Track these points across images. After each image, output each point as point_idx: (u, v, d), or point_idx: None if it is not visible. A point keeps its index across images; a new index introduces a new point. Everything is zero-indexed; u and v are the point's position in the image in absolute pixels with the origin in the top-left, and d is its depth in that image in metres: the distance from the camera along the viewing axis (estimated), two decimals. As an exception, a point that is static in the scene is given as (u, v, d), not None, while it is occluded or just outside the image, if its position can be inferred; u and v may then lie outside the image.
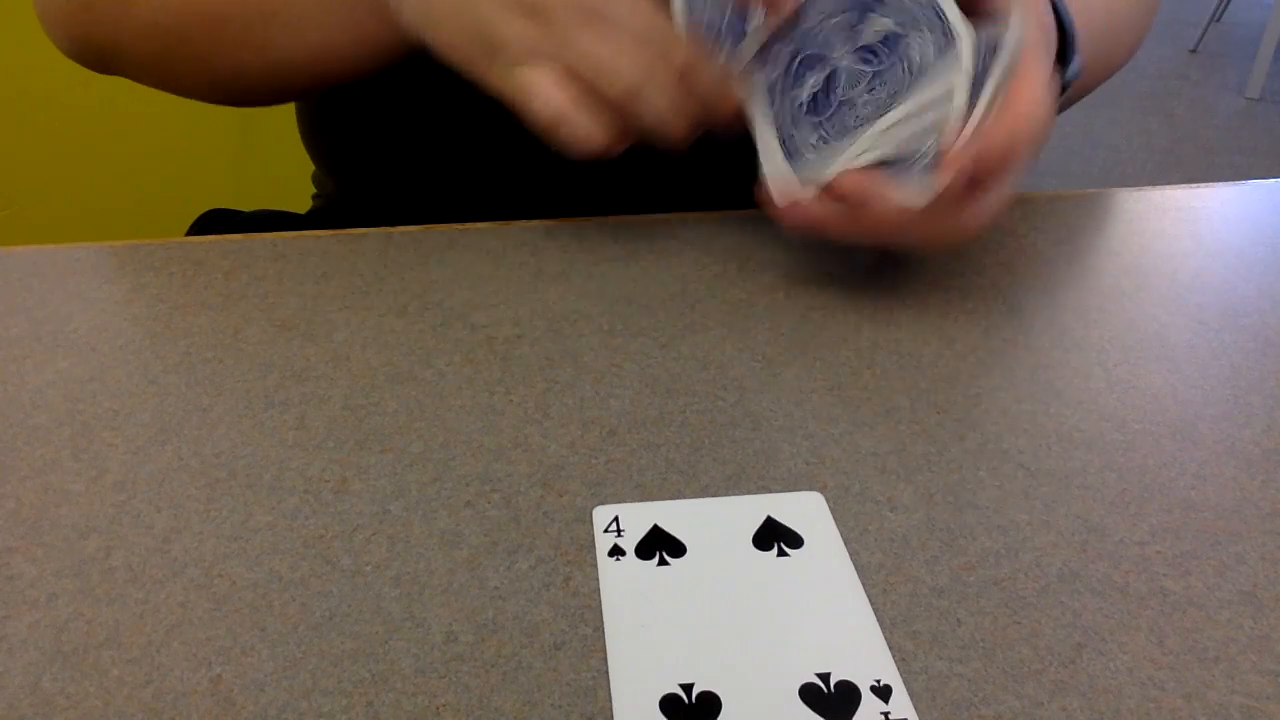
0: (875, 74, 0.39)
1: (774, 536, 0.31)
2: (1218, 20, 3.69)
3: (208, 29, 0.50)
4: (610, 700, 0.26)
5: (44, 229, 1.24)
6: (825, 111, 0.41)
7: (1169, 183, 0.56)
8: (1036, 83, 0.39)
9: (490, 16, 0.41)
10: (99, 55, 0.54)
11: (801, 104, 0.41)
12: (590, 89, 0.40)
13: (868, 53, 0.39)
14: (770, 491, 0.33)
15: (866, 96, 0.40)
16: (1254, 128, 2.87)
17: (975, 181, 0.39)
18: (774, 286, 0.45)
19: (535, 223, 0.51)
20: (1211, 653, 0.28)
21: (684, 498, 0.33)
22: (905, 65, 0.39)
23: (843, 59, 0.40)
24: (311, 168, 0.72)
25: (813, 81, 0.41)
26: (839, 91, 0.40)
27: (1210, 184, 0.56)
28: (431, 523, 0.32)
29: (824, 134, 0.41)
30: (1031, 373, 0.40)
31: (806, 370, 0.40)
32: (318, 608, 0.29)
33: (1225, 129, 2.86)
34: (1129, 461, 0.35)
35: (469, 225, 0.50)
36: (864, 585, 0.30)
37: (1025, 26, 0.38)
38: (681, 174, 0.55)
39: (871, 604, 0.29)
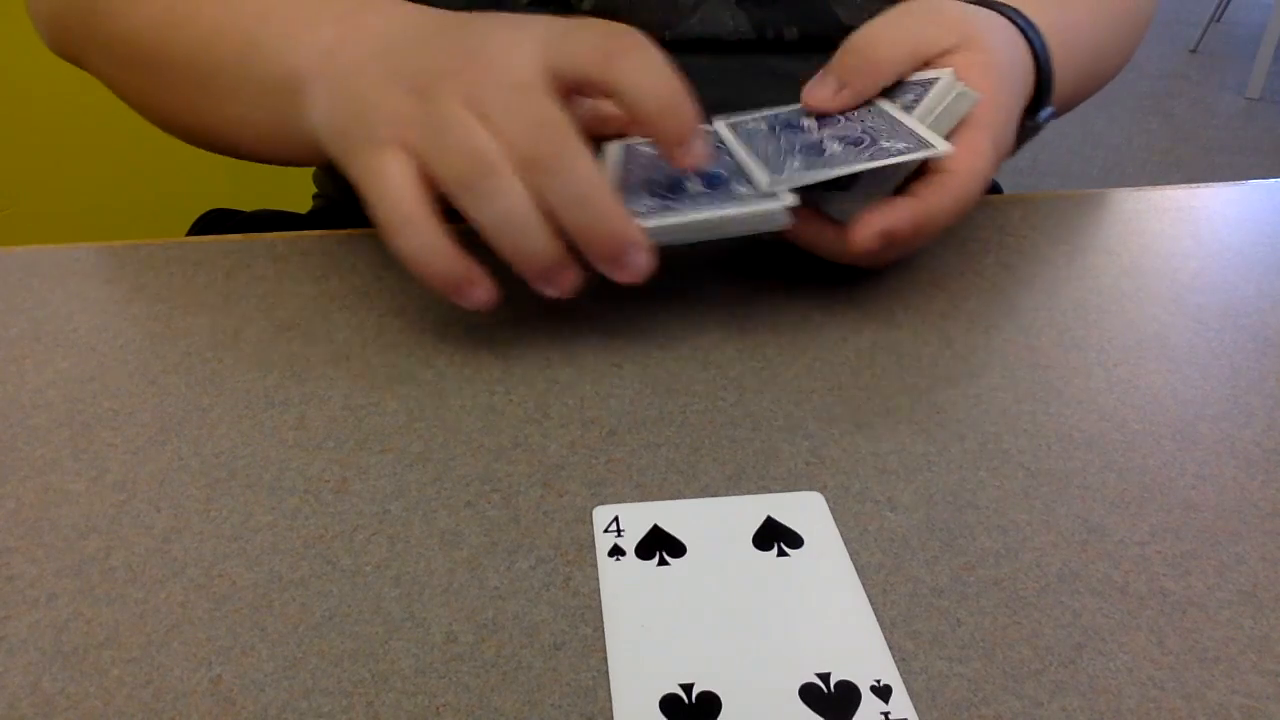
0: (855, 142, 0.41)
1: (774, 536, 0.31)
2: (1218, 20, 3.69)
3: (151, 71, 0.49)
4: (610, 700, 0.26)
5: (44, 229, 1.24)
6: (805, 146, 0.42)
7: (1169, 183, 0.56)
8: (977, 152, 0.41)
9: (371, 88, 0.39)
10: (74, 59, 0.55)
11: (785, 147, 0.42)
12: (443, 182, 0.36)
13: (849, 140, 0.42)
14: (770, 491, 0.33)
15: (838, 148, 0.41)
16: (1254, 128, 2.87)
17: (896, 240, 0.40)
18: (774, 286, 0.45)
19: (535, 223, 0.51)
20: (1211, 653, 0.28)
21: (684, 498, 0.33)
22: (879, 146, 0.40)
23: (820, 133, 0.43)
24: (312, 167, 0.72)
25: (802, 136, 0.43)
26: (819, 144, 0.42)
27: (1210, 184, 0.56)
28: (431, 523, 0.32)
29: (807, 160, 0.41)
30: (1031, 373, 0.40)
31: (806, 370, 0.40)
32: (318, 608, 0.29)
33: (1225, 129, 2.86)
34: (1129, 461, 0.35)
35: (469, 225, 0.50)
36: (864, 585, 0.30)
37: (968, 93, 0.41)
38: None
39: (871, 604, 0.29)
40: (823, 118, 0.44)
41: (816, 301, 0.44)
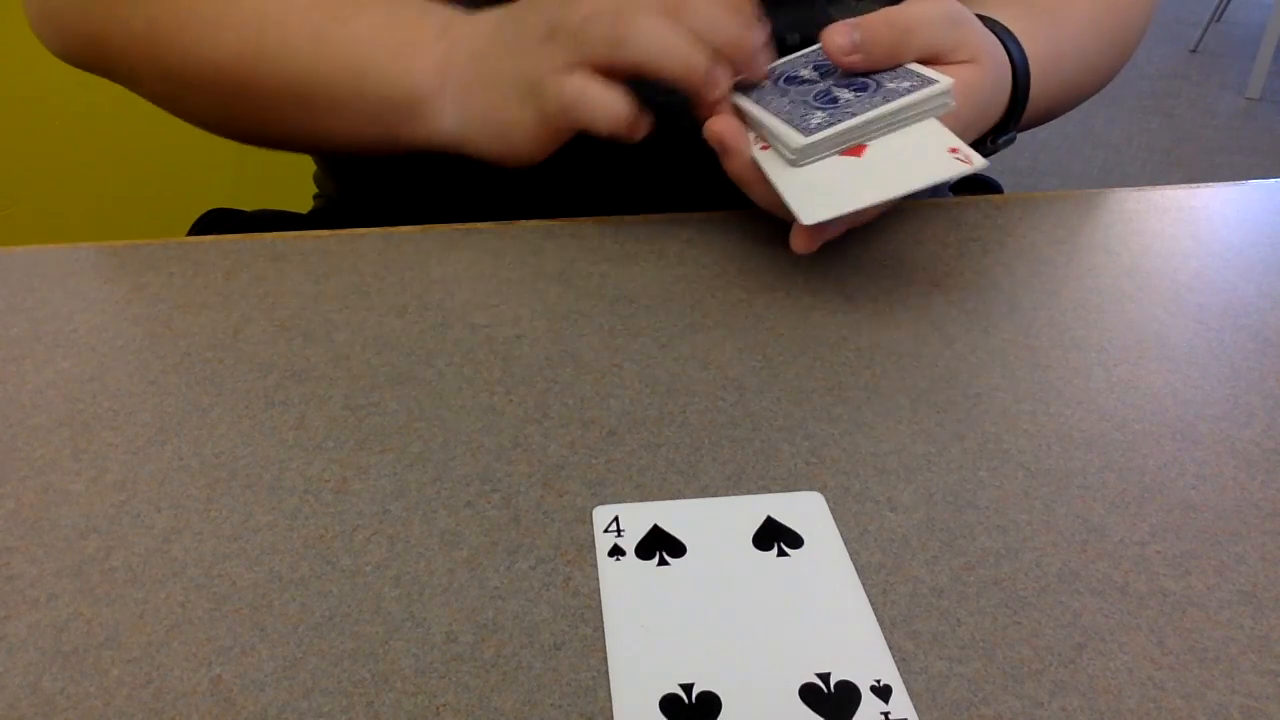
0: (861, 88, 0.44)
1: (774, 536, 0.31)
2: (1218, 20, 3.69)
3: (238, 98, 0.52)
4: (610, 700, 0.26)
5: (44, 229, 1.24)
6: (822, 102, 0.44)
7: (1169, 183, 0.56)
8: None
9: (516, 63, 0.45)
10: (103, 73, 0.55)
11: (800, 100, 0.44)
12: (602, 63, 0.43)
13: (854, 85, 0.45)
14: (770, 491, 0.33)
15: (852, 96, 0.44)
16: (1254, 128, 2.87)
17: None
18: (774, 286, 0.45)
19: (535, 223, 0.51)
20: (1211, 653, 0.28)
21: (684, 498, 0.33)
22: (885, 89, 0.43)
23: (825, 82, 0.45)
24: (313, 167, 0.72)
25: (801, 90, 0.45)
26: (831, 95, 0.44)
27: (1210, 184, 0.56)
28: (431, 523, 0.32)
29: (828, 116, 0.43)
30: (1031, 373, 0.40)
31: (806, 370, 0.40)
32: (318, 608, 0.29)
33: (1225, 129, 2.86)
34: (1129, 461, 0.35)
35: (469, 225, 0.50)
36: (864, 585, 0.30)
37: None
38: (682, 174, 0.55)
39: (871, 604, 0.29)
40: (822, 66, 0.47)
41: (816, 301, 0.44)
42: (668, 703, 0.26)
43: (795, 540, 0.31)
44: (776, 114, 0.44)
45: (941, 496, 0.33)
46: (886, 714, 0.26)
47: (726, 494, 0.33)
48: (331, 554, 0.31)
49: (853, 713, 0.26)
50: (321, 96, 0.50)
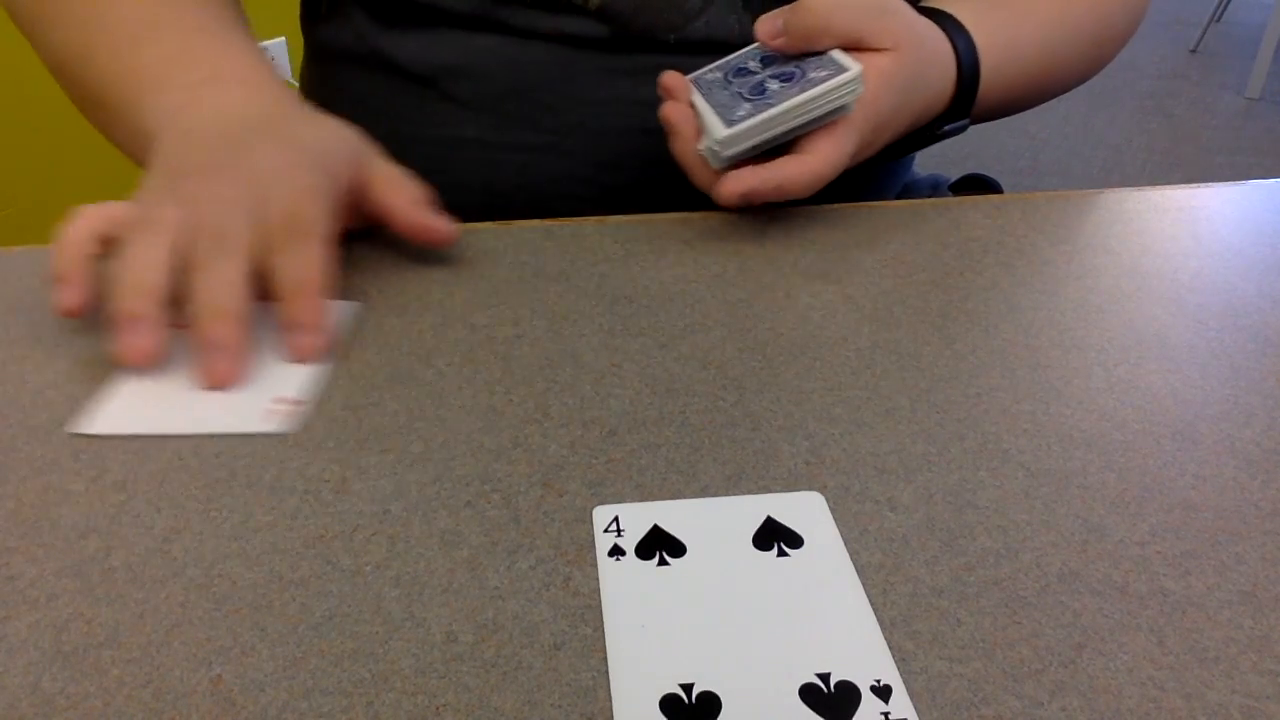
0: (788, 77, 0.48)
1: (774, 536, 0.31)
2: (1218, 20, 3.69)
3: (68, 87, 0.54)
4: (610, 700, 0.26)
5: (44, 229, 1.24)
6: (752, 94, 0.49)
7: (1169, 183, 0.56)
8: (839, 145, 0.48)
9: (149, 189, 0.42)
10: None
11: (735, 92, 0.49)
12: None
13: (783, 75, 0.49)
14: (770, 491, 0.33)
15: (778, 87, 0.48)
16: (1254, 128, 2.87)
17: (754, 199, 0.48)
18: (774, 286, 0.45)
19: (535, 223, 0.51)
20: (1211, 653, 0.28)
21: (684, 498, 0.33)
22: (807, 78, 0.48)
23: (763, 73, 0.50)
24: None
25: (741, 82, 0.50)
26: (763, 86, 0.49)
27: (1210, 184, 0.56)
28: (431, 523, 0.32)
29: (752, 107, 0.47)
30: (1031, 373, 0.40)
31: (806, 370, 0.40)
32: (318, 608, 0.29)
33: (1225, 129, 2.86)
34: (1129, 461, 0.35)
35: (469, 225, 0.50)
36: (864, 585, 0.30)
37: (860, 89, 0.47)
38: (682, 175, 0.55)
39: (871, 604, 0.29)
40: (766, 59, 0.51)
41: (816, 301, 0.44)
42: (668, 703, 0.26)
43: (795, 540, 0.31)
44: (713, 106, 0.48)
45: (941, 496, 0.33)
46: (886, 714, 0.26)
47: (726, 494, 0.33)
48: (331, 554, 0.31)
49: (853, 713, 0.26)
50: (116, 114, 0.51)
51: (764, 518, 0.32)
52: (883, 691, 0.26)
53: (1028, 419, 0.37)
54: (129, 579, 0.30)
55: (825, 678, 0.27)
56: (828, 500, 0.33)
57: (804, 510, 0.32)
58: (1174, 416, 0.37)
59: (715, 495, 0.33)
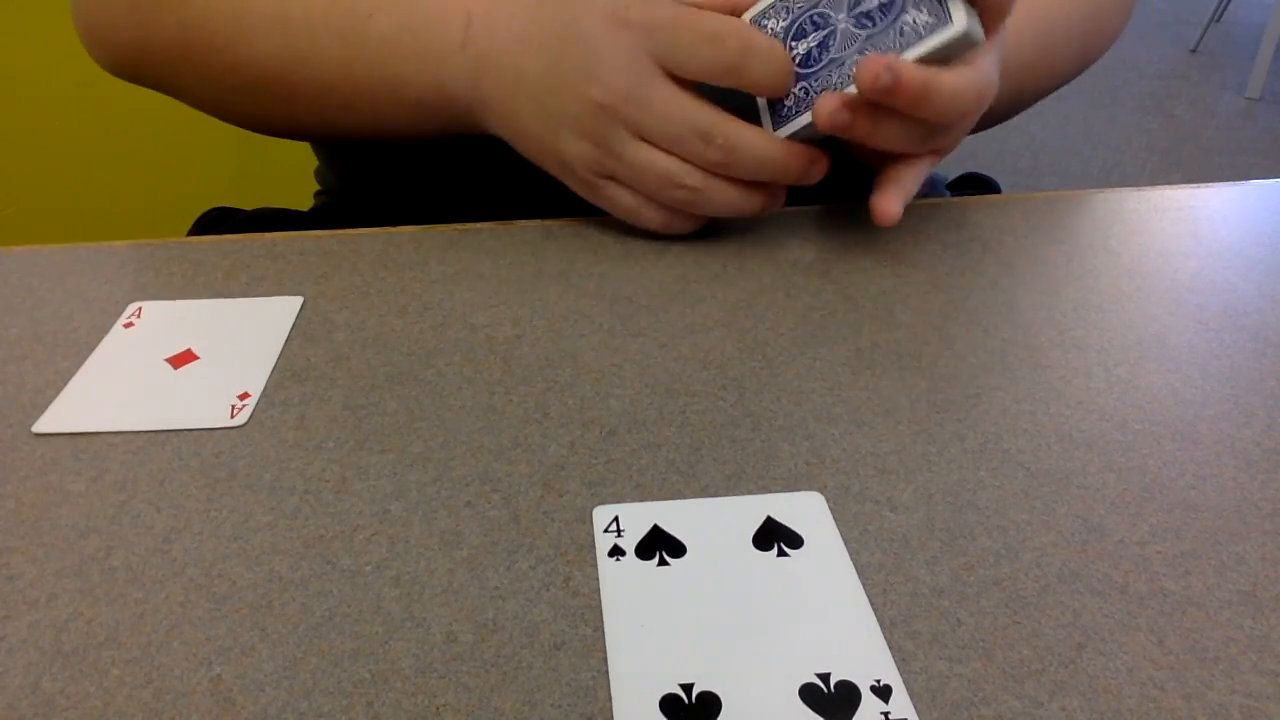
0: (868, 37, 0.43)
1: (774, 536, 0.31)
2: (1218, 20, 3.69)
3: (275, 99, 0.51)
4: (610, 700, 0.26)
5: (44, 229, 1.24)
6: (813, 68, 0.44)
7: (1169, 183, 0.56)
8: (985, 67, 0.44)
9: (557, 138, 0.46)
10: (151, 85, 0.55)
11: (795, 58, 0.44)
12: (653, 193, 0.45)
13: (865, 18, 0.43)
14: (770, 491, 0.33)
15: (856, 57, 0.43)
16: (1254, 128, 2.87)
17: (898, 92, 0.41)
18: (774, 286, 0.45)
19: (535, 223, 0.51)
20: (1211, 653, 0.28)
21: (684, 498, 0.33)
22: (897, 31, 0.42)
23: (842, 22, 0.43)
24: (313, 164, 0.72)
25: (811, 38, 0.44)
26: (831, 50, 0.44)
27: (1210, 184, 0.56)
28: (431, 523, 0.32)
29: (809, 88, 0.44)
30: (1031, 373, 0.40)
31: (806, 370, 0.40)
32: (318, 608, 0.29)
33: (1225, 129, 2.86)
34: (1129, 461, 0.35)
35: (469, 225, 0.50)
36: (864, 585, 0.30)
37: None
38: None
39: (871, 604, 0.29)
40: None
41: (816, 301, 0.44)
42: (668, 703, 0.26)
43: (795, 540, 0.31)
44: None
45: (941, 496, 0.33)
46: (886, 714, 0.26)
47: (726, 494, 0.33)
48: (331, 554, 0.31)
49: (853, 713, 0.26)
50: (363, 100, 0.50)
51: (764, 518, 0.32)
52: (883, 691, 0.26)
53: (1028, 419, 0.37)
54: (129, 579, 0.30)
55: (825, 678, 0.27)
56: (828, 500, 0.33)
57: (804, 510, 0.32)
58: (1174, 416, 0.37)
59: (715, 495, 0.33)
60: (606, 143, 0.44)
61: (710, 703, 0.26)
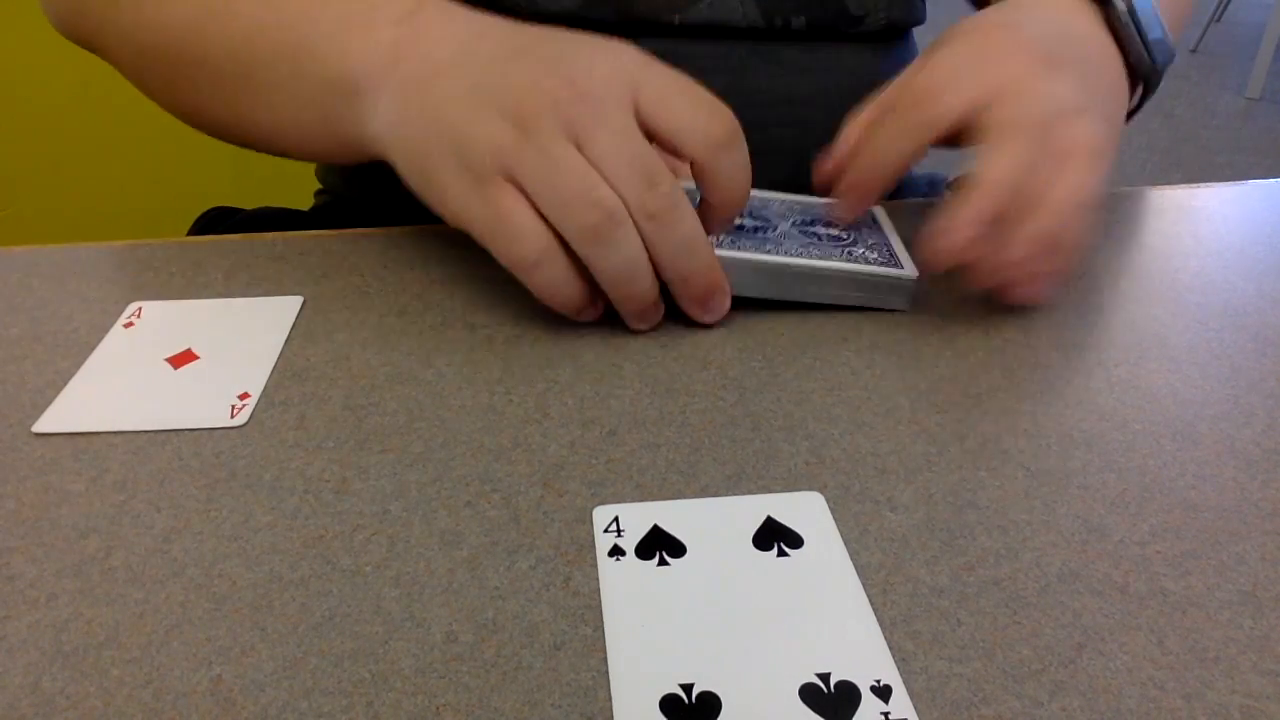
0: (808, 245, 0.43)
1: (774, 536, 0.31)
2: (1218, 20, 3.69)
3: (184, 67, 0.48)
4: (610, 700, 0.26)
5: (44, 229, 1.24)
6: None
7: (1169, 183, 0.56)
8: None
9: (464, 117, 0.38)
10: (88, 45, 0.54)
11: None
12: (566, 230, 0.37)
13: (809, 233, 0.43)
14: (770, 491, 0.33)
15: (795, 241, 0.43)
16: (1254, 128, 2.87)
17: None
18: (774, 286, 0.45)
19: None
20: (1211, 653, 0.28)
21: (684, 498, 0.33)
22: (843, 252, 0.42)
23: (784, 225, 0.44)
24: (313, 164, 0.72)
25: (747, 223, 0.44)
26: (769, 236, 0.43)
27: (1210, 184, 0.56)
28: (431, 523, 0.32)
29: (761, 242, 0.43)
30: (1031, 373, 0.40)
31: (806, 370, 0.40)
32: (318, 608, 0.29)
33: (1225, 129, 2.86)
34: (1129, 461, 0.35)
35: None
36: (864, 585, 0.30)
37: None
38: None
39: (871, 604, 0.29)
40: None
41: (816, 301, 0.44)
42: (668, 703, 0.26)
43: (795, 540, 0.31)
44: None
45: (941, 496, 0.33)
46: (886, 714, 0.26)
47: (726, 494, 0.33)
48: (331, 554, 0.31)
49: (853, 713, 0.26)
50: (261, 73, 0.45)
51: (764, 518, 0.32)
52: (883, 691, 0.26)
53: (1028, 419, 0.37)
54: (129, 579, 0.30)
55: (825, 678, 0.27)
56: (828, 500, 0.33)
57: (804, 510, 0.32)
58: (1174, 416, 0.37)
59: (715, 495, 0.33)
60: (535, 131, 0.36)
61: (710, 703, 0.26)
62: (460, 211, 0.39)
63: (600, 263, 0.38)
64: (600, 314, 0.41)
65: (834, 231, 0.42)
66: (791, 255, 0.40)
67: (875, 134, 0.42)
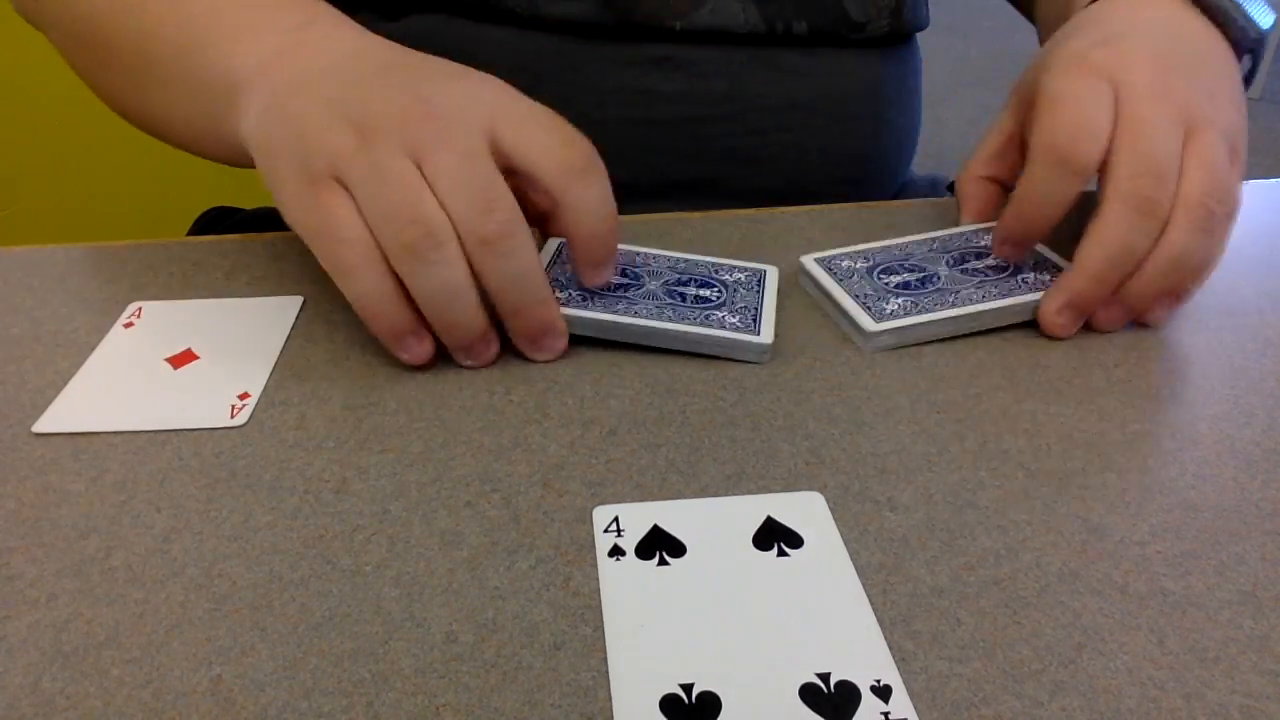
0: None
1: (774, 536, 0.31)
2: (1218, 20, 3.68)
3: (99, 52, 0.49)
4: (610, 700, 0.26)
5: (44, 229, 1.24)
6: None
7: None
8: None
9: (314, 123, 0.37)
10: (34, 24, 0.54)
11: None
12: (383, 240, 0.36)
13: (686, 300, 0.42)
14: (770, 491, 0.33)
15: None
16: (1254, 128, 2.85)
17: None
18: (774, 286, 0.45)
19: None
20: (1211, 653, 0.28)
21: (684, 498, 0.33)
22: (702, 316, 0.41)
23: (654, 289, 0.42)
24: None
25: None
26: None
27: (1210, 184, 0.56)
28: (431, 523, 0.32)
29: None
30: (1031, 373, 0.40)
31: (806, 370, 0.40)
32: (318, 608, 0.29)
33: (1225, 129, 2.85)
34: (1129, 461, 0.35)
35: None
36: (864, 585, 0.30)
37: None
38: (685, 164, 0.55)
39: (871, 604, 0.29)
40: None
41: (816, 302, 0.44)
42: (668, 703, 0.26)
43: (795, 540, 0.31)
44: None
45: (941, 496, 0.33)
46: (886, 714, 0.26)
47: (726, 494, 0.33)
48: (331, 554, 0.31)
49: (853, 713, 0.26)
50: (158, 67, 0.46)
51: (764, 518, 0.32)
52: (883, 691, 0.26)
53: (1028, 419, 0.37)
54: (129, 579, 0.30)
55: (825, 678, 0.27)
56: (828, 500, 0.33)
57: (804, 510, 0.32)
58: (1174, 416, 0.37)
59: (715, 495, 0.33)
60: (374, 144, 0.36)
61: (710, 703, 0.26)
62: (292, 212, 0.38)
63: (416, 281, 0.36)
64: (426, 353, 0.38)
65: (705, 294, 0.42)
66: (639, 316, 0.40)
67: (1032, 189, 0.41)
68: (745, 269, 0.44)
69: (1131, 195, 0.39)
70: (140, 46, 0.46)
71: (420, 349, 0.38)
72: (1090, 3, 0.47)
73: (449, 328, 0.38)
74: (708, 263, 0.45)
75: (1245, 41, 0.46)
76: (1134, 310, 0.41)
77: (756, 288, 0.43)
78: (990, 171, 0.47)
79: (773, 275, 0.44)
